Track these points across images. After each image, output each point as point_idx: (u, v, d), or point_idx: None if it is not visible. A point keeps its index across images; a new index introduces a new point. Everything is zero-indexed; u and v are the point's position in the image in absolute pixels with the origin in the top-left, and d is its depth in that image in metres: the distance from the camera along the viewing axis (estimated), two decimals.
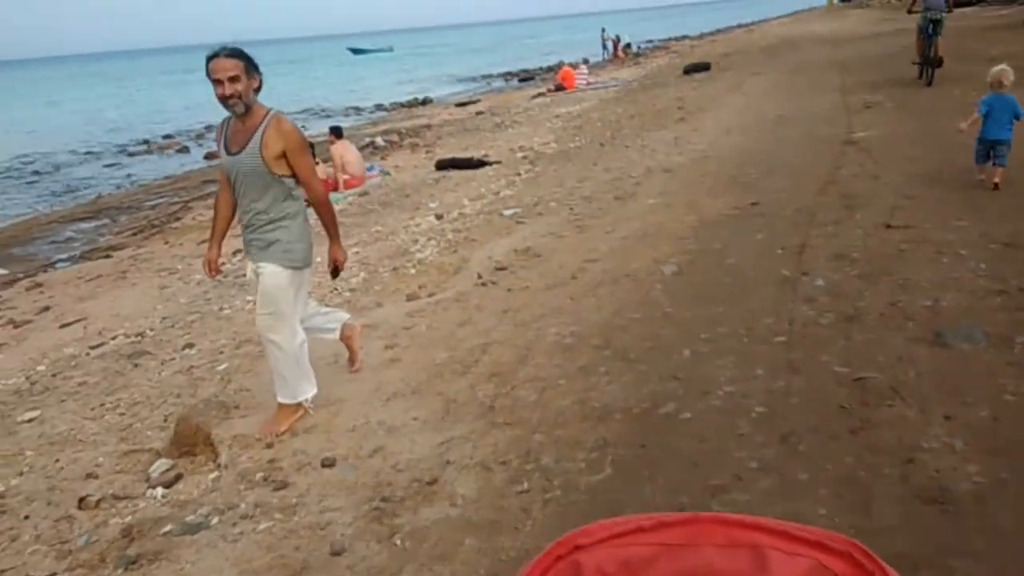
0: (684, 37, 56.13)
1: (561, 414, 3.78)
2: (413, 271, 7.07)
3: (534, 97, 24.37)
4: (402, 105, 32.87)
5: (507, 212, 8.87)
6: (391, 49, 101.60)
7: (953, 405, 3.27)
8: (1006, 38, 18.60)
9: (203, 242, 10.23)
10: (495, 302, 5.48)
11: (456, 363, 4.59)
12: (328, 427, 4.12)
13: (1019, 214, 5.87)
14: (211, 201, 14.36)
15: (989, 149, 6.82)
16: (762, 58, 23.45)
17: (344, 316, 4.69)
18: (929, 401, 3.33)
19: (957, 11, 32.14)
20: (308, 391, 4.25)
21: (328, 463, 3.76)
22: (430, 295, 6.01)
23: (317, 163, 12.29)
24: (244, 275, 8.51)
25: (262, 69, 3.97)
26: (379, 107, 33.66)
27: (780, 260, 5.41)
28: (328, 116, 31.75)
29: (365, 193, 12.02)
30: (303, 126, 28.90)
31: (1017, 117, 6.74)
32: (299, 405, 4.24)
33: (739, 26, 59.63)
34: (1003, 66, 6.98)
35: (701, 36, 53.80)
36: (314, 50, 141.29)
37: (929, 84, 13.37)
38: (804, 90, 14.99)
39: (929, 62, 13.42)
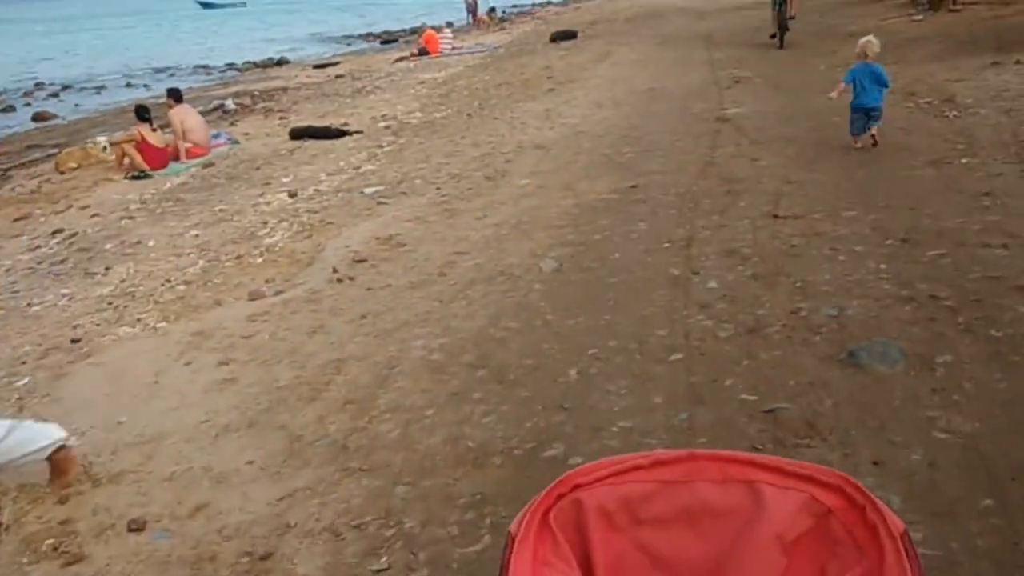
0: (548, 3, 55.67)
1: (429, 456, 3.16)
2: (260, 260, 6.24)
3: (397, 61, 23.31)
4: (256, 65, 30.96)
5: (368, 190, 8.11)
6: (244, 3, 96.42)
7: (880, 446, 2.85)
8: (864, 13, 19.05)
9: (19, 219, 8.97)
10: (352, 304, 4.78)
11: (304, 385, 3.88)
12: (141, 474, 3.35)
13: (904, 201, 5.64)
14: (36, 169, 12.87)
15: (865, 116, 7.22)
16: (628, 28, 23.27)
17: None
18: (852, 440, 2.91)
19: None
20: (52, 437, 2.40)
21: (136, 526, 3.01)
22: (277, 292, 5.23)
23: (155, 130, 11.11)
24: (62, 261, 7.47)
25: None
26: (231, 66, 31.60)
27: (668, 255, 4.95)
28: (172, 76, 29.57)
29: (210, 164, 10.90)
30: (144, 85, 26.93)
31: (885, 85, 7.21)
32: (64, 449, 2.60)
33: None
34: (869, 37, 7.45)
35: (566, 3, 53.54)
36: (159, 2, 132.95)
37: (781, 47, 15.11)
38: (673, 63, 14.78)
39: (781, 27, 15.24)
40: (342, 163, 9.80)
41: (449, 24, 38.88)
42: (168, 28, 61.92)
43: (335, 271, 5.40)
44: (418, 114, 12.85)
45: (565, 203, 6.42)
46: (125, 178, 10.61)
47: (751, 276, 4.45)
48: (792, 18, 15.55)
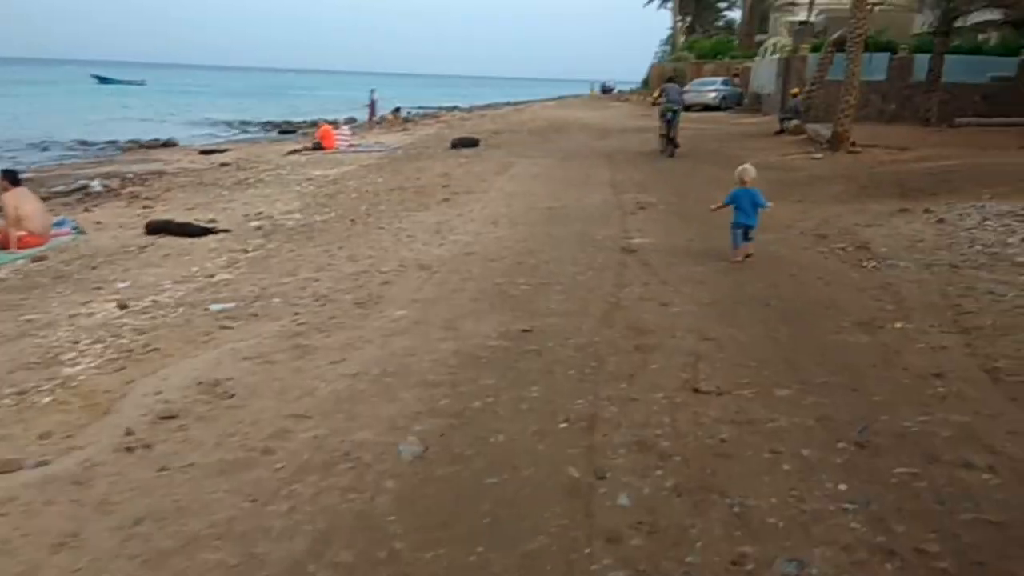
0: (455, 108, 56.17)
1: None
2: (47, 399, 4.82)
3: (289, 153, 22.19)
4: (140, 145, 29.30)
5: (215, 307, 6.81)
6: (143, 82, 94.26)
7: None
8: (763, 147, 19.15)
9: None
10: (131, 496, 3.45)
11: None
12: None
13: (843, 378, 4.76)
14: None
15: (743, 232, 8.07)
16: (531, 140, 22.94)
17: None
18: None
19: (709, 115, 34.21)
20: None
21: None
22: (40, 463, 3.84)
23: None
24: None
25: None
26: (112, 143, 29.85)
27: (565, 442, 3.84)
28: (46, 150, 27.60)
29: (42, 257, 9.36)
30: (11, 157, 24.87)
31: (761, 206, 8.10)
32: None
33: (509, 104, 60.81)
34: (745, 165, 8.34)
35: (472, 109, 54.06)
36: (57, 73, 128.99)
37: (671, 156, 17.91)
38: (575, 181, 14.17)
39: (671, 141, 18.05)
40: (195, 268, 8.46)
41: (352, 119, 38.26)
42: (59, 100, 59.31)
43: (129, 432, 4.06)
44: (297, 215, 11.65)
45: (444, 348, 5.29)
46: None
47: (673, 489, 3.37)
48: (676, 140, 18.17)
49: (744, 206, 7.98)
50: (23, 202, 9.99)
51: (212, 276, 8.07)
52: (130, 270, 8.50)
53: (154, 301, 7.19)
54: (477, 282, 7.16)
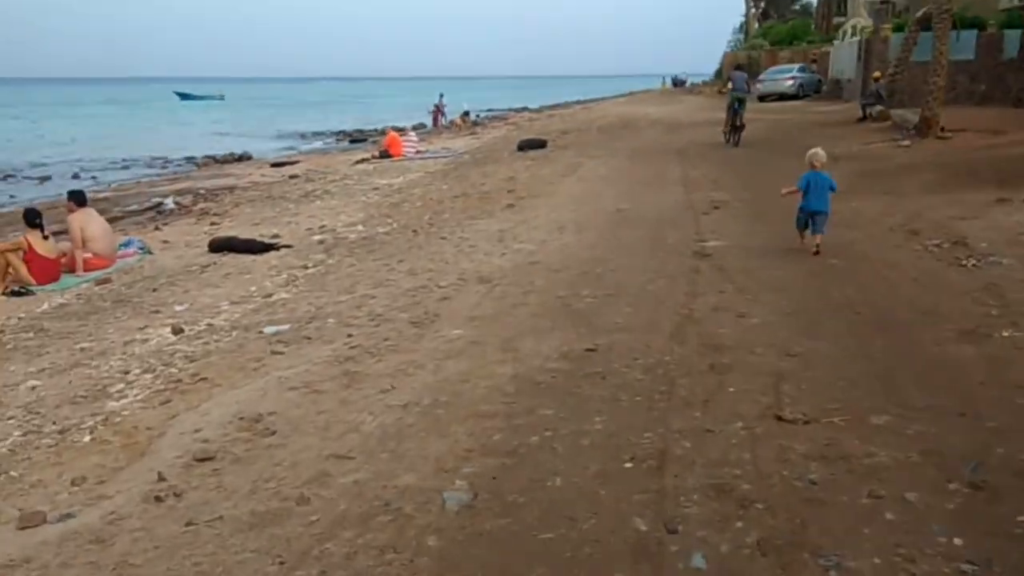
0: (524, 109, 55.91)
1: None
2: (88, 438, 4.62)
3: (357, 163, 22.18)
4: (215, 160, 29.84)
5: (269, 329, 6.58)
6: (222, 97, 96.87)
7: None
8: (843, 135, 18.24)
9: None
10: (151, 556, 3.15)
11: None
12: None
13: (948, 399, 4.20)
14: None
15: (808, 218, 7.87)
16: (600, 139, 22.42)
17: None
18: None
19: (786, 104, 33.06)
20: None
21: None
22: (65, 516, 3.59)
23: (46, 237, 9.56)
24: None
25: None
26: (190, 159, 30.51)
27: (631, 486, 3.41)
28: (126, 168, 28.35)
29: (106, 280, 9.34)
30: (92, 176, 25.54)
31: (832, 189, 7.85)
32: None
33: (578, 103, 60.21)
34: (816, 149, 8.09)
35: (541, 110, 53.68)
36: (142, 92, 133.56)
37: (736, 145, 18.30)
38: (646, 181, 13.62)
39: (735, 129, 18.51)
40: (253, 288, 8.28)
41: (421, 126, 38.32)
42: (142, 119, 61.27)
43: (161, 478, 3.79)
44: (360, 227, 11.44)
45: (501, 373, 4.90)
46: (3, 293, 8.99)
47: (756, 546, 2.90)
48: (744, 125, 18.64)
49: (815, 191, 7.75)
50: (89, 223, 10.01)
51: (270, 296, 7.87)
52: (189, 291, 8.37)
53: (209, 325, 7.01)
54: (539, 295, 6.76)
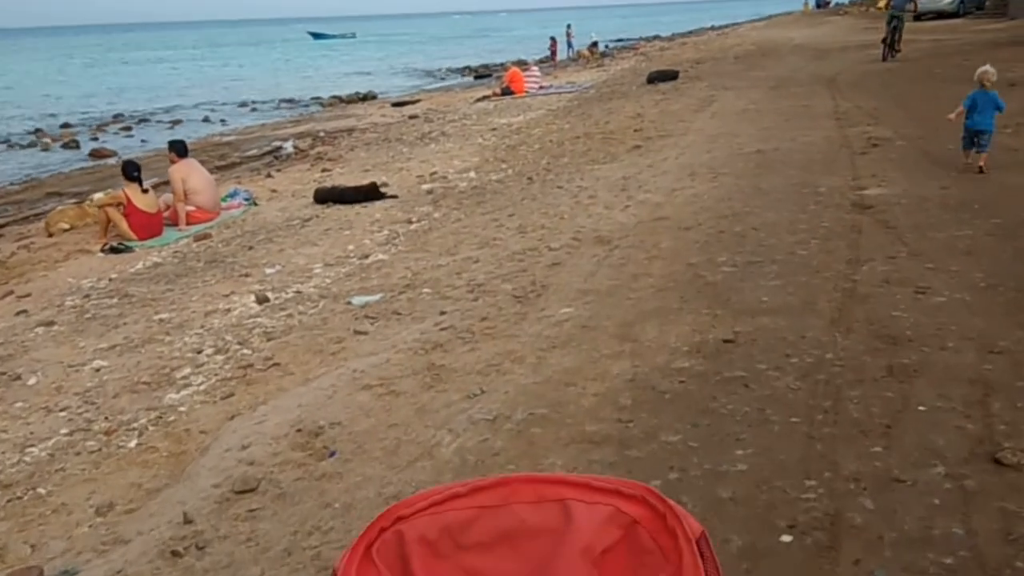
0: (655, 37, 53.39)
1: None
2: (134, 443, 4.01)
3: (477, 100, 21.30)
4: (341, 100, 29.67)
5: (357, 300, 5.86)
6: (354, 35, 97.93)
7: None
8: (1018, 56, 15.89)
9: None
10: None
11: None
12: None
13: None
14: (31, 227, 11.11)
15: (973, 137, 7.56)
16: (737, 68, 20.61)
17: None
18: None
19: (945, 23, 29.79)
20: None
21: None
22: (65, 572, 2.93)
23: (146, 191, 9.16)
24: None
25: None
26: (316, 100, 30.49)
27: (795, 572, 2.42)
28: (254, 110, 28.53)
29: (205, 235, 8.88)
30: (222, 120, 25.73)
31: (999, 109, 7.50)
32: None
33: (712, 28, 56.95)
34: (986, 67, 7.61)
35: (672, 37, 51.04)
36: (276, 32, 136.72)
37: (893, 57, 18.15)
38: (789, 114, 12.11)
39: (891, 47, 18.25)
40: (351, 247, 7.59)
41: (548, 58, 36.92)
42: (276, 59, 62.35)
43: (187, 520, 3.08)
44: (472, 174, 10.59)
45: (615, 374, 3.95)
46: (101, 250, 8.68)
47: None
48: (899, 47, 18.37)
49: (981, 108, 7.46)
50: (191, 175, 9.56)
51: (366, 257, 7.15)
52: (284, 250, 7.77)
53: (297, 292, 6.36)
54: (666, 262, 5.71)
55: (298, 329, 5.43)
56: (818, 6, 68.82)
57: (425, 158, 12.54)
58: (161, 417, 4.25)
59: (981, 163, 7.44)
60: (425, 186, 10.17)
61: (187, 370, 4.94)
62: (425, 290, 5.87)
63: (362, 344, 4.93)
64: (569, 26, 42.70)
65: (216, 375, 4.79)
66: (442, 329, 4.92)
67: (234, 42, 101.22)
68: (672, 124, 12.44)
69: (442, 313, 5.23)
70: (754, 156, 9.32)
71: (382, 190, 9.95)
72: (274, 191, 11.28)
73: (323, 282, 6.57)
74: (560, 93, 20.40)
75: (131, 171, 9.09)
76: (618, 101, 16.61)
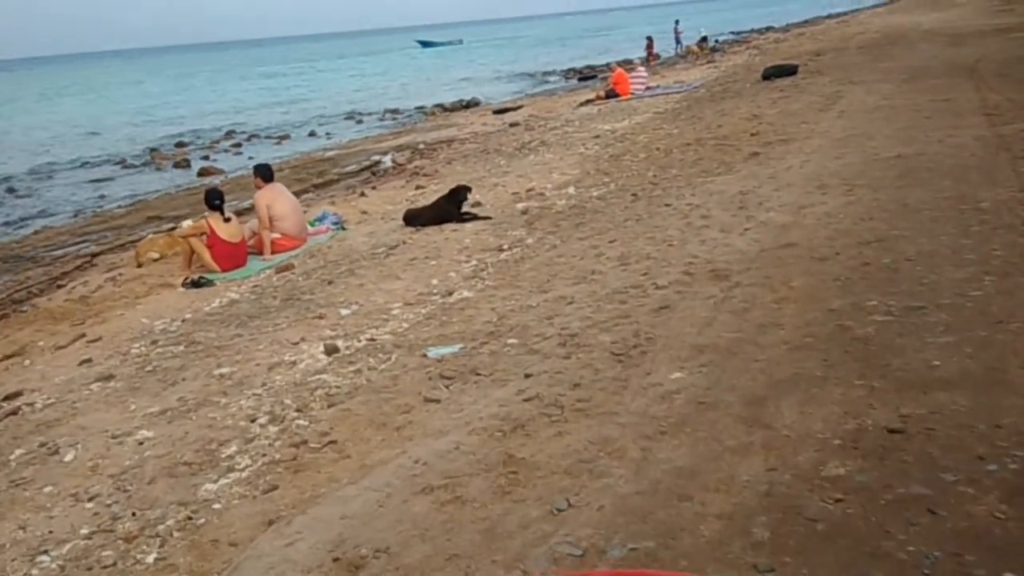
0: (768, 29, 51.09)
1: None
2: (152, 558, 3.34)
3: (580, 105, 20.41)
4: (444, 108, 29.33)
5: (433, 353, 5.10)
6: (461, 41, 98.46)
7: None
8: None
9: (4, 359, 6.72)
10: None
11: None
12: None
13: None
14: (125, 255, 10.90)
15: None
16: (862, 59, 18.99)
17: None
18: None
19: None
20: None
21: None
22: None
23: (228, 219, 8.67)
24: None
25: None
26: (419, 109, 30.27)
27: None
28: (360, 122, 28.48)
29: (288, 267, 8.34)
30: (327, 134, 25.67)
31: None
32: None
33: (829, 16, 54.10)
34: None
35: (787, 28, 48.67)
36: (385, 43, 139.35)
37: None
38: (929, 111, 10.72)
39: None
40: (435, 280, 6.87)
41: (656, 56, 35.64)
42: (384, 69, 63.03)
43: None
44: (571, 189, 9.72)
45: (743, 479, 3.01)
46: (182, 284, 8.26)
47: None
48: None
49: None
50: (277, 200, 9.08)
51: (450, 295, 6.39)
52: (365, 284, 7.11)
53: (370, 340, 5.65)
54: (799, 306, 4.71)
55: (364, 390, 4.70)
56: None
57: (523, 171, 11.75)
58: (191, 518, 3.57)
59: None
60: (520, 205, 9.37)
61: (234, 447, 4.27)
62: (510, 340, 5.05)
63: (432, 417, 4.15)
64: (677, 22, 41.28)
65: (264, 455, 4.09)
66: (526, 400, 4.08)
67: (343, 54, 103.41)
68: (794, 126, 11.23)
69: (527, 376, 4.39)
70: (894, 163, 8.10)
71: (474, 210, 9.21)
72: (364, 213, 10.72)
73: (400, 326, 5.84)
74: (668, 94, 19.28)
75: (213, 199, 8.64)
76: (731, 101, 15.40)
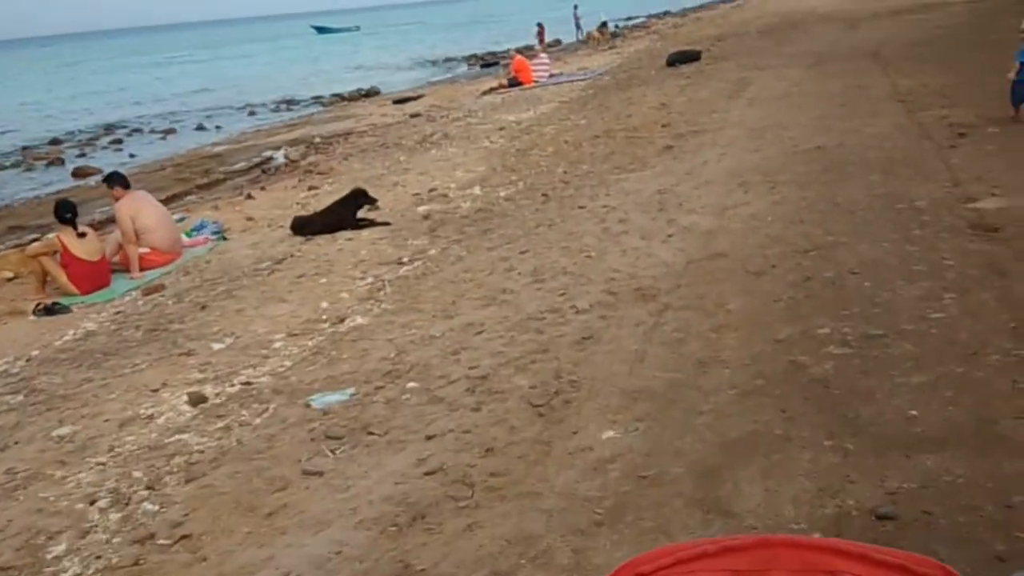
0: (666, 13, 51.23)
1: None
2: None
3: (483, 93, 19.63)
4: (342, 98, 28.08)
5: (318, 402, 4.30)
6: (358, 28, 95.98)
7: None
8: None
9: None
10: None
11: None
12: None
13: None
14: None
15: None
16: (764, 44, 18.80)
17: None
18: None
19: None
20: None
21: None
22: None
23: (82, 234, 7.57)
24: None
25: None
26: (316, 99, 28.95)
27: None
28: (252, 114, 26.97)
29: (157, 288, 7.32)
30: (217, 127, 24.19)
31: None
32: None
33: (723, 1, 54.67)
34: None
35: (684, 13, 48.88)
36: (279, 29, 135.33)
37: None
38: (842, 97, 10.39)
39: None
40: (324, 303, 6.03)
41: (557, 42, 35.08)
42: (278, 57, 60.77)
43: None
44: (477, 189, 8.97)
45: None
46: (34, 312, 7.16)
47: None
48: None
49: None
50: (141, 211, 8.00)
51: (341, 321, 5.58)
52: (244, 310, 6.21)
53: (245, 385, 4.79)
54: (741, 336, 4.09)
55: (232, 457, 3.87)
56: None
57: (424, 168, 10.93)
58: None
59: None
60: (422, 208, 8.57)
61: (64, 543, 3.39)
62: (410, 384, 4.28)
63: (312, 497, 3.35)
64: (576, 7, 40.80)
65: (99, 558, 3.23)
66: (427, 473, 3.32)
67: (236, 41, 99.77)
68: (705, 116, 10.75)
69: (429, 438, 3.63)
70: (816, 155, 7.66)
71: (371, 215, 8.37)
72: (250, 219, 9.71)
73: (281, 364, 5.00)
74: (572, 82, 18.69)
75: (64, 212, 7.54)
76: (638, 89, 14.89)
